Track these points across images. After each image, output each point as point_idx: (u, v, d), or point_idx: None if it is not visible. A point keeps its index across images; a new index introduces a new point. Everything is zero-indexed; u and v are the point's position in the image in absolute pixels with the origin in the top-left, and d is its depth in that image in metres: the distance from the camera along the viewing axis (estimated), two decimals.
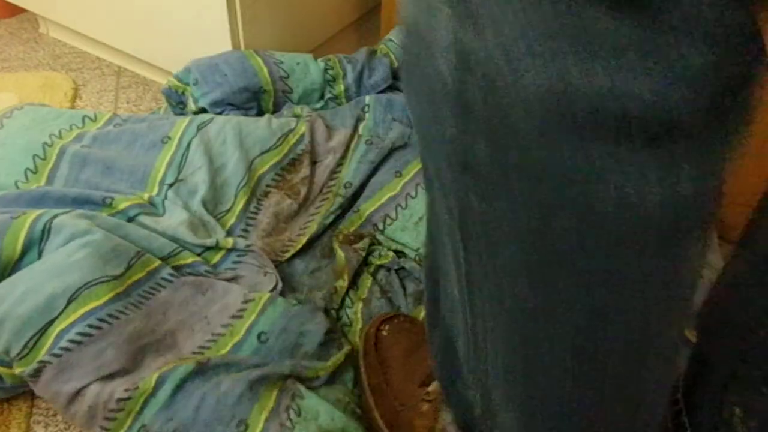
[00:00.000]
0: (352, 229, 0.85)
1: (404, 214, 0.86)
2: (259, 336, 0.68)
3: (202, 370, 0.63)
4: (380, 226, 0.85)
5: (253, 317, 0.70)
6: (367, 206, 0.87)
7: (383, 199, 0.88)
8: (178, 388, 0.61)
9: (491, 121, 0.30)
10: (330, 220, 0.86)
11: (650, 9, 0.26)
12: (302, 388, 0.64)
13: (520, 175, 0.30)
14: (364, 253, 0.80)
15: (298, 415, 0.61)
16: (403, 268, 0.81)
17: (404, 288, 0.79)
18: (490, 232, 0.34)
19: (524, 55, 0.27)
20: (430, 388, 0.62)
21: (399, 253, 0.83)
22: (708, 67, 0.26)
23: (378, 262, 0.81)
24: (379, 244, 0.83)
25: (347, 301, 0.77)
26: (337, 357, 0.68)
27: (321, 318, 0.70)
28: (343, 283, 0.77)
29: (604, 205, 0.29)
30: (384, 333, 0.69)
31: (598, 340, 0.34)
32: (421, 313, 0.75)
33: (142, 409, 0.60)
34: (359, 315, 0.75)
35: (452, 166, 0.33)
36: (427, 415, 0.61)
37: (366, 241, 0.81)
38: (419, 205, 0.87)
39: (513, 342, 0.37)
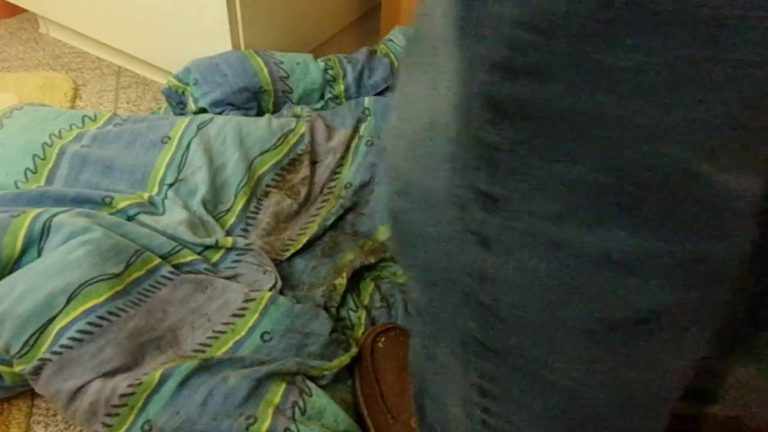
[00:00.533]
0: (368, 244, 0.85)
1: None
2: (262, 335, 0.68)
3: (207, 367, 0.63)
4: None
5: (255, 316, 0.70)
6: (384, 229, 0.87)
7: None
8: (183, 383, 0.61)
9: (515, 324, 0.32)
10: (331, 221, 0.86)
11: None
12: (311, 385, 0.64)
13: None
14: (372, 260, 0.79)
15: (303, 413, 0.61)
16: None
17: (406, 301, 0.78)
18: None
19: None
20: None
21: None
22: None
23: (384, 275, 0.81)
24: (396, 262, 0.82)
25: (349, 303, 0.77)
26: (342, 359, 0.68)
27: (324, 318, 0.70)
28: (342, 280, 0.77)
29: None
30: (380, 345, 0.69)
31: None
32: None
33: (145, 404, 0.60)
34: (362, 320, 0.75)
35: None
36: (417, 431, 0.61)
37: (383, 256, 0.80)
38: None
39: None
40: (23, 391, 0.68)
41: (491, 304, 0.32)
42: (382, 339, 0.69)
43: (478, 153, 0.28)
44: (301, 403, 0.62)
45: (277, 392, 0.62)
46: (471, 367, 0.36)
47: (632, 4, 0.22)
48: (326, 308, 0.74)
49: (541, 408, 0.35)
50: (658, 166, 0.25)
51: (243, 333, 0.69)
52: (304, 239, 0.83)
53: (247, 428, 0.59)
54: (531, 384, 0.34)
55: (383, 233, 0.86)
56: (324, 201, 0.89)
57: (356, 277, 0.80)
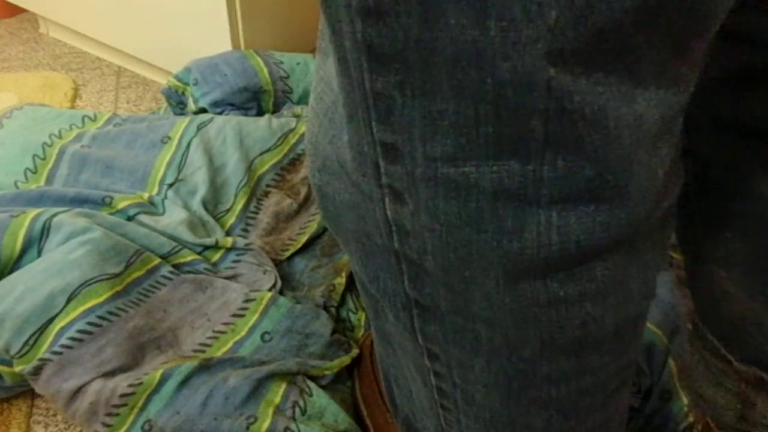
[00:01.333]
0: None
1: None
2: (262, 336, 0.68)
3: (207, 367, 0.63)
4: None
5: (255, 317, 0.70)
6: None
7: None
8: (183, 383, 0.61)
9: (436, 273, 0.32)
10: None
11: None
12: (311, 384, 0.64)
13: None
14: None
15: (303, 413, 0.61)
16: None
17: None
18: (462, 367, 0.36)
19: None
20: None
21: None
22: None
23: None
24: None
25: (349, 304, 0.77)
26: (343, 359, 0.68)
27: (325, 318, 0.70)
28: (341, 280, 0.77)
29: None
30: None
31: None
32: None
33: (145, 404, 0.60)
34: (362, 322, 0.75)
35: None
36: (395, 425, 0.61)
37: None
38: None
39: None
40: (23, 391, 0.68)
41: (416, 258, 0.32)
42: None
43: (369, 104, 0.28)
44: (301, 403, 0.62)
45: (277, 392, 0.62)
46: (416, 331, 0.36)
47: None
48: (326, 308, 0.74)
49: (483, 366, 0.35)
50: (515, 86, 0.25)
51: (243, 333, 0.69)
52: (304, 238, 0.83)
53: (248, 428, 0.59)
54: (465, 339, 0.34)
55: None
56: None
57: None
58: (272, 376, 0.63)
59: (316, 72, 0.36)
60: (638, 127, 0.27)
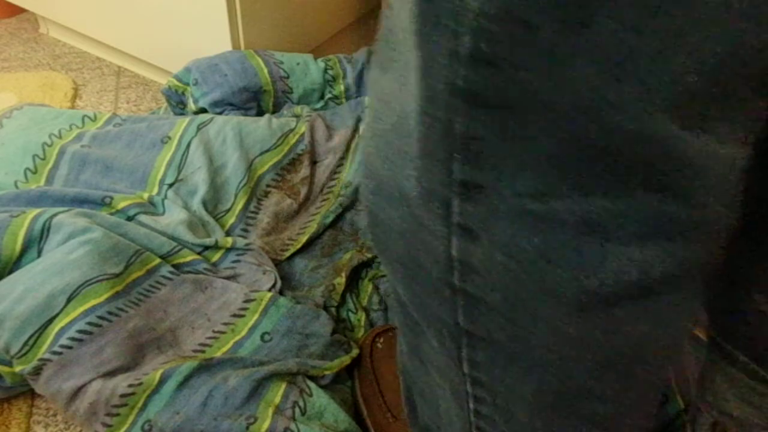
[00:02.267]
0: (368, 242, 0.85)
1: None
2: (262, 336, 0.68)
3: (207, 367, 0.63)
4: None
5: (255, 317, 0.70)
6: None
7: None
8: (183, 383, 0.61)
9: (501, 308, 0.32)
10: (330, 219, 0.86)
11: None
12: (311, 385, 0.64)
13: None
14: (370, 255, 0.80)
15: (303, 413, 0.61)
16: None
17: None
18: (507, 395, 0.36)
19: None
20: None
21: None
22: None
23: (383, 273, 0.81)
24: None
25: (349, 304, 0.77)
26: (343, 359, 0.68)
27: (325, 319, 0.70)
28: (341, 280, 0.77)
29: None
30: (379, 345, 0.69)
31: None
32: None
33: (145, 404, 0.60)
34: (362, 322, 0.75)
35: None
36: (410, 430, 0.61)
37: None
38: None
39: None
40: (23, 391, 0.68)
41: (478, 293, 0.32)
42: (381, 340, 0.69)
43: (455, 145, 0.28)
44: (301, 403, 0.62)
45: (277, 392, 0.62)
46: (461, 359, 0.36)
47: None
48: (326, 308, 0.74)
49: (533, 390, 0.35)
50: (619, 132, 0.26)
51: (243, 333, 0.69)
52: (304, 239, 0.83)
53: (247, 428, 0.59)
54: (522, 367, 0.34)
55: None
56: (324, 200, 0.89)
57: (355, 276, 0.80)
58: (272, 377, 0.63)
59: (372, 86, 0.35)
60: (728, 170, 0.28)
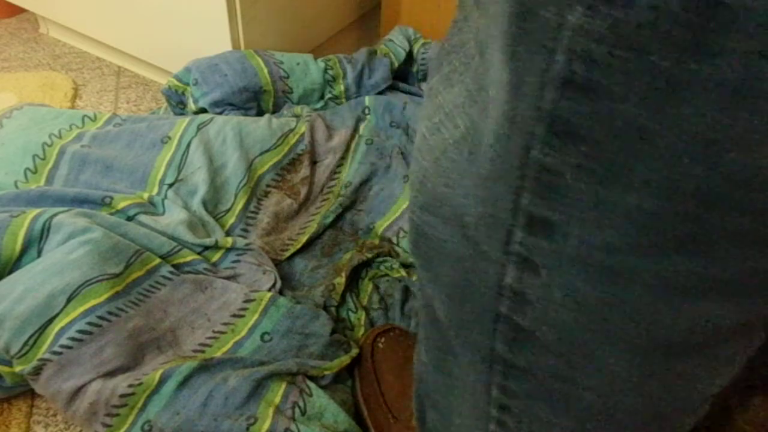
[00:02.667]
0: (368, 242, 0.85)
1: None
2: (262, 336, 0.68)
3: (207, 367, 0.63)
4: (394, 240, 0.84)
5: (255, 317, 0.70)
6: (381, 223, 0.87)
7: (397, 214, 0.87)
8: (183, 384, 0.61)
9: (550, 344, 0.30)
10: (330, 219, 0.86)
11: None
12: (311, 385, 0.64)
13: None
14: (370, 255, 0.79)
15: (303, 413, 0.61)
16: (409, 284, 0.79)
17: (404, 301, 0.78)
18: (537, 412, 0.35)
19: None
20: None
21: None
22: None
23: (383, 272, 0.80)
24: (397, 256, 0.82)
25: (349, 304, 0.77)
26: (343, 359, 0.68)
27: (325, 319, 0.70)
28: (341, 280, 0.77)
29: None
30: (380, 345, 0.69)
31: None
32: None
33: (145, 404, 0.60)
34: (362, 322, 0.75)
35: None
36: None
37: (379, 251, 0.80)
38: None
39: None
40: (23, 391, 0.68)
41: (526, 325, 0.31)
42: (382, 339, 0.69)
43: (528, 174, 0.26)
44: (301, 403, 0.62)
45: (277, 392, 0.62)
46: (492, 384, 0.35)
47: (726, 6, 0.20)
48: (326, 308, 0.74)
49: (565, 425, 0.34)
50: (732, 172, 0.23)
51: (243, 333, 0.69)
52: (304, 238, 0.83)
53: (248, 428, 0.59)
54: (557, 402, 0.33)
55: (381, 227, 0.86)
56: (324, 200, 0.89)
57: (355, 276, 0.80)
58: (272, 377, 0.63)
59: (432, 97, 0.33)
60: None
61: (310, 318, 0.70)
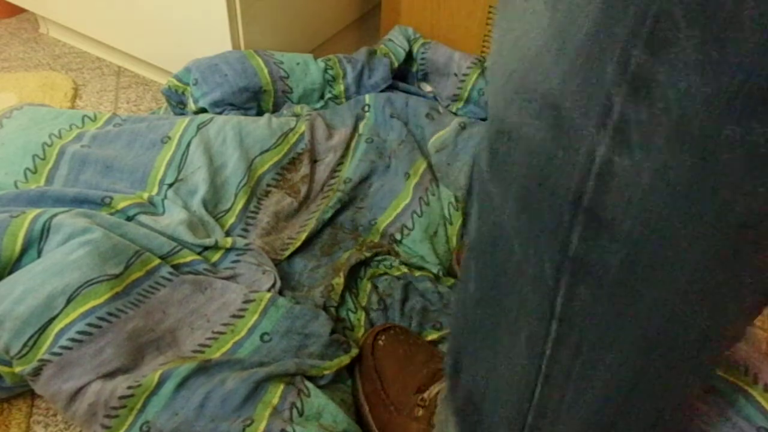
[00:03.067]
0: (369, 240, 0.85)
1: (420, 223, 0.85)
2: (262, 336, 0.68)
3: (205, 369, 0.63)
4: (398, 237, 0.84)
5: (255, 317, 0.70)
6: (383, 219, 0.87)
7: (398, 209, 0.87)
8: (181, 385, 0.61)
9: (630, 234, 0.31)
10: (329, 214, 0.86)
11: None
12: (309, 385, 0.64)
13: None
14: (368, 254, 0.79)
15: (300, 414, 0.61)
16: (410, 282, 0.79)
17: (404, 300, 0.78)
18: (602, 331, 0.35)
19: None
20: (425, 395, 0.62)
21: (420, 268, 0.81)
22: None
23: (382, 271, 0.80)
24: (397, 255, 0.82)
25: (348, 304, 0.77)
26: (342, 359, 0.68)
27: (324, 319, 0.70)
28: (339, 280, 0.77)
29: None
30: (380, 343, 0.69)
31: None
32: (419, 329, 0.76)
33: (144, 406, 0.60)
34: (362, 322, 0.75)
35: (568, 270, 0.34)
36: (422, 419, 0.61)
37: (378, 250, 0.80)
38: (434, 214, 0.87)
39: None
40: (23, 392, 0.68)
41: (607, 215, 0.31)
42: (383, 337, 0.70)
43: (640, 30, 0.26)
44: (299, 404, 0.62)
45: (275, 393, 0.62)
46: (558, 292, 0.35)
47: None
48: (325, 308, 0.74)
49: (633, 336, 0.34)
50: None
51: (242, 334, 0.69)
52: (304, 236, 0.83)
53: (244, 430, 0.59)
54: (625, 307, 0.34)
55: (384, 223, 0.86)
56: (324, 198, 0.89)
57: (354, 276, 0.80)
58: (270, 378, 0.63)
59: (505, 5, 0.34)
60: None
61: (310, 318, 0.70)
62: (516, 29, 0.33)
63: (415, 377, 0.65)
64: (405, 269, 0.80)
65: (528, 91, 0.32)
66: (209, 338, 0.68)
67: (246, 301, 0.71)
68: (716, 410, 0.67)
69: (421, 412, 0.62)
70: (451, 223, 0.86)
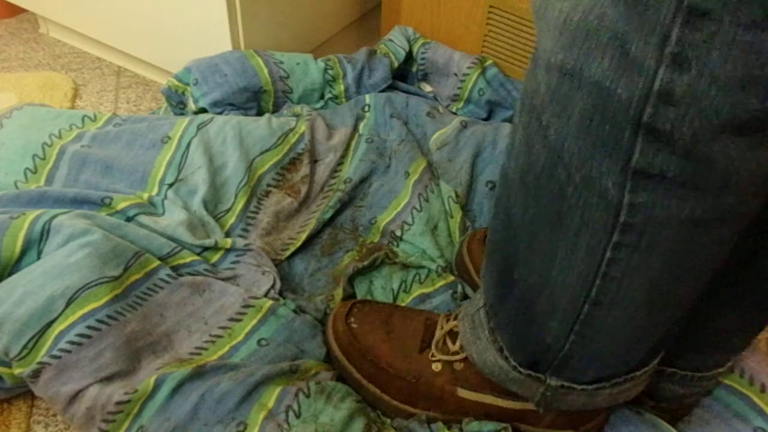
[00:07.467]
0: (369, 241, 0.84)
1: (420, 217, 0.85)
2: (259, 341, 0.68)
3: (201, 374, 0.63)
4: (398, 233, 0.84)
5: (254, 322, 0.70)
6: (383, 217, 0.87)
7: (398, 209, 0.87)
8: (176, 390, 0.61)
9: (684, 140, 0.36)
10: (329, 214, 0.86)
11: None
12: (312, 384, 0.64)
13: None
14: (366, 263, 0.79)
15: (297, 416, 0.61)
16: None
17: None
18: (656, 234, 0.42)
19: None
20: (432, 349, 0.65)
21: (419, 267, 0.81)
22: None
23: (377, 276, 0.80)
24: (396, 256, 0.81)
25: None
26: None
27: (321, 340, 0.71)
28: (340, 290, 0.77)
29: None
30: (354, 326, 0.68)
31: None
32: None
33: (140, 411, 0.60)
34: None
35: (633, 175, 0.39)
36: (443, 372, 0.63)
37: (375, 256, 0.80)
38: (434, 209, 0.86)
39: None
40: (23, 392, 0.68)
41: (666, 127, 0.36)
42: (352, 320, 0.69)
43: None
44: (295, 406, 0.62)
45: (271, 396, 0.62)
46: (622, 203, 0.40)
47: None
48: (326, 314, 0.74)
49: (683, 228, 0.41)
50: None
51: (240, 338, 0.69)
52: (304, 236, 0.83)
53: None
54: (683, 205, 0.39)
55: (384, 221, 0.86)
56: (324, 198, 0.89)
57: (352, 281, 0.80)
58: (266, 380, 0.63)
59: None
60: None
61: (307, 336, 0.70)
62: None
63: (408, 337, 0.67)
64: (401, 275, 0.79)
65: (591, 29, 0.36)
66: (206, 341, 0.68)
67: (245, 306, 0.71)
68: (712, 412, 0.68)
69: (439, 366, 0.64)
70: (452, 217, 0.86)
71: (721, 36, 0.32)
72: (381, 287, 0.79)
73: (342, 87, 1.02)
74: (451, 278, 0.79)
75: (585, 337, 0.50)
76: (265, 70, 0.96)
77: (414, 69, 1.11)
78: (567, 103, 0.40)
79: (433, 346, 0.65)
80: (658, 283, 0.45)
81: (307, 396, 0.63)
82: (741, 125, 0.35)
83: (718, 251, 0.45)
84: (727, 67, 0.33)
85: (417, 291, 0.78)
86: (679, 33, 0.33)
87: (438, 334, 0.65)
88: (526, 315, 0.53)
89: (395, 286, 0.78)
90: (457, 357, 0.63)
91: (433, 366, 0.64)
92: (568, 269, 0.47)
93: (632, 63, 0.35)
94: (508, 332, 0.57)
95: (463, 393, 0.63)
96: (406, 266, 0.81)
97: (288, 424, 0.60)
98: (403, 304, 0.77)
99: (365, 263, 0.79)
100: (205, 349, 0.67)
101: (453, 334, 0.65)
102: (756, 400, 0.67)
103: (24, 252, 0.68)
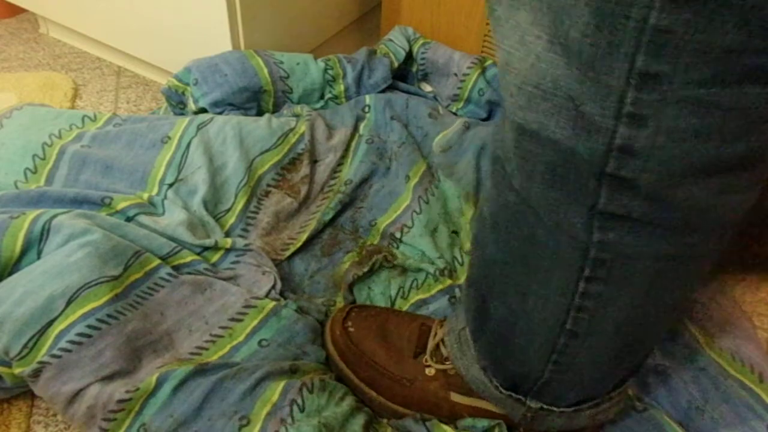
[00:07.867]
0: (368, 243, 0.85)
1: (420, 220, 0.85)
2: (260, 342, 0.68)
3: (203, 371, 0.63)
4: (398, 236, 0.84)
5: (255, 322, 0.70)
6: (383, 219, 0.87)
7: (398, 211, 0.87)
8: (178, 387, 0.61)
9: (647, 182, 0.38)
10: (330, 215, 0.86)
11: None
12: (316, 380, 0.64)
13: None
14: (365, 269, 0.79)
15: (301, 411, 0.61)
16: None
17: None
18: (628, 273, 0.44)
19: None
20: (426, 354, 0.65)
21: (417, 270, 0.81)
22: None
23: (376, 281, 0.80)
24: (395, 258, 0.81)
25: None
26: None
27: (320, 345, 0.71)
28: (340, 297, 0.77)
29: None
30: (351, 329, 0.69)
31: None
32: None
33: (141, 408, 0.60)
34: None
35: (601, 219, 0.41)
36: (437, 377, 0.64)
37: (375, 259, 0.80)
38: (434, 211, 0.87)
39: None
40: (23, 392, 0.68)
41: (629, 175, 0.38)
42: (349, 324, 0.69)
43: (642, 37, 0.32)
44: (300, 401, 0.61)
45: (275, 390, 0.62)
46: (592, 241, 0.42)
47: None
48: (327, 316, 0.74)
49: (652, 258, 0.42)
50: None
51: (241, 338, 0.68)
52: (304, 236, 0.83)
53: (239, 429, 0.59)
54: (650, 236, 0.41)
55: (384, 223, 0.86)
56: (324, 198, 0.89)
57: (351, 286, 0.80)
58: (270, 376, 0.63)
59: (502, 24, 0.40)
60: None
61: (308, 340, 0.70)
62: (515, 34, 0.38)
63: (404, 343, 0.67)
64: (399, 281, 0.79)
65: (548, 92, 0.38)
66: (207, 341, 0.68)
67: (247, 306, 0.71)
68: (728, 407, 0.68)
69: (432, 371, 0.64)
70: (463, 215, 0.86)
71: (673, 94, 0.34)
72: (380, 293, 0.79)
73: (342, 87, 1.02)
74: (449, 282, 0.79)
75: (562, 365, 0.52)
76: (265, 70, 0.96)
77: (414, 69, 1.11)
78: (530, 158, 0.42)
79: (427, 353, 0.65)
80: (631, 313, 0.47)
81: (311, 391, 0.63)
82: (701, 169, 0.37)
83: (690, 283, 0.47)
84: (681, 120, 0.35)
85: (414, 297, 0.78)
86: (633, 95, 0.34)
87: (431, 343, 0.66)
88: (505, 345, 0.55)
89: (393, 292, 0.79)
90: (449, 365, 0.64)
91: (427, 371, 0.65)
92: (543, 303, 0.48)
93: (590, 123, 0.37)
94: (488, 357, 0.58)
95: (456, 398, 0.64)
96: (404, 270, 0.80)
97: (292, 417, 0.60)
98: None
99: (365, 269, 0.79)
100: (206, 348, 0.67)
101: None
102: (765, 397, 0.68)
103: (24, 252, 0.68)
